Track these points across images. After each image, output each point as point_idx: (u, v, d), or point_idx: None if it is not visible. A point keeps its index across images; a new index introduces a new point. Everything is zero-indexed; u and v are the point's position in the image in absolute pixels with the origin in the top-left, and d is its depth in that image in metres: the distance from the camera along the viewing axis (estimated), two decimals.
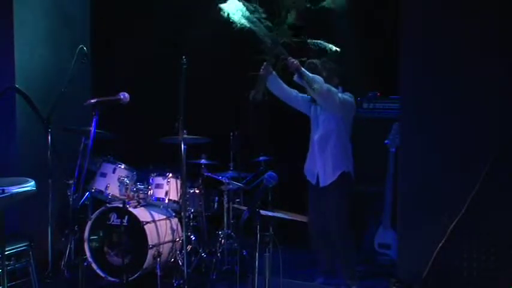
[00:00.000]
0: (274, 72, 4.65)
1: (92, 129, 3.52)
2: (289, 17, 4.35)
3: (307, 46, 4.46)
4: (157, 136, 5.22)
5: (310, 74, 4.50)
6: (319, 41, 4.47)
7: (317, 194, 4.74)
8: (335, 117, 4.65)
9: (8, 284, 4.02)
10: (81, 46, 4.84)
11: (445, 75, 3.81)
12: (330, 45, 4.48)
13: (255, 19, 4.35)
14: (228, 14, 4.31)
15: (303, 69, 4.49)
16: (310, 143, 4.84)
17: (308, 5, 4.36)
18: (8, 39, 4.96)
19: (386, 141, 5.41)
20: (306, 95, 4.79)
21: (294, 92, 4.80)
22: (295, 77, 4.61)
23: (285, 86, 4.75)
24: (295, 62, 4.47)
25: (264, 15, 4.37)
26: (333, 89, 4.58)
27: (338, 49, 4.52)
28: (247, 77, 4.57)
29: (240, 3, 4.33)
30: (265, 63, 4.57)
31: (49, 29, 5.46)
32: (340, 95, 4.61)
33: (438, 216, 3.70)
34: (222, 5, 4.33)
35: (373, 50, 6.26)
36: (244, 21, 4.31)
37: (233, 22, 4.31)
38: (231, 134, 5.69)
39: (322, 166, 4.70)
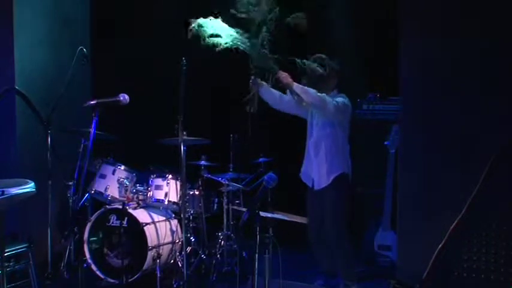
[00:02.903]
0: (265, 84, 4.59)
1: (92, 130, 3.51)
2: (261, 31, 4.32)
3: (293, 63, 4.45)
4: (157, 137, 5.22)
5: (303, 87, 4.47)
6: (307, 62, 4.46)
7: (314, 196, 4.73)
8: (329, 121, 4.63)
9: (8, 286, 4.02)
10: (80, 47, 4.84)
11: (445, 76, 3.81)
12: (316, 66, 4.49)
13: (239, 35, 4.33)
14: (206, 35, 4.28)
15: (294, 84, 4.46)
16: (306, 147, 4.83)
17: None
18: (8, 40, 4.97)
19: (386, 143, 5.41)
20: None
21: (287, 97, 4.73)
22: (288, 91, 4.61)
23: (277, 95, 4.69)
24: (285, 79, 4.44)
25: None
26: (327, 98, 4.50)
27: (324, 72, 4.53)
28: (248, 76, 4.56)
29: (221, 23, 4.30)
30: (252, 77, 4.53)
31: (49, 30, 5.47)
32: (334, 101, 4.53)
33: (438, 217, 3.70)
34: (200, 21, 4.28)
35: (373, 52, 6.26)
36: (228, 40, 4.30)
37: (214, 44, 4.27)
38: (231, 135, 5.68)
39: (317, 169, 4.68)
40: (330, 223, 4.65)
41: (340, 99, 4.57)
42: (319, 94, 4.49)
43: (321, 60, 4.65)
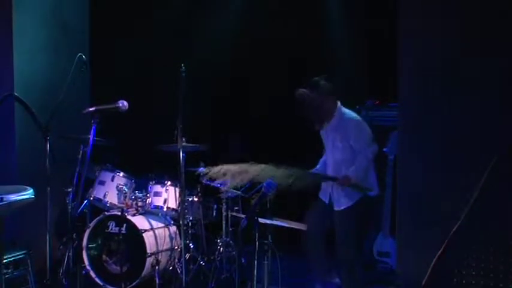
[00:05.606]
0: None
1: (91, 137, 3.52)
2: None
3: None
4: (156, 144, 5.22)
5: (356, 174, 4.39)
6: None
7: (325, 208, 4.62)
8: (348, 144, 4.51)
9: None
10: (80, 54, 4.83)
11: (445, 79, 3.81)
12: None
13: None
14: None
15: (353, 180, 4.37)
16: (324, 161, 4.73)
17: None
18: (8, 47, 4.98)
19: (384, 149, 5.40)
20: None
21: None
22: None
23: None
24: (347, 183, 4.37)
25: None
26: (367, 162, 4.45)
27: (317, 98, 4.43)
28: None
29: None
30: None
31: (48, 37, 5.47)
32: (368, 154, 4.46)
33: (437, 223, 3.70)
34: None
35: (372, 58, 6.28)
36: None
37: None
38: (230, 141, 5.68)
39: (336, 191, 4.54)
40: (342, 242, 4.50)
41: (365, 135, 4.53)
42: (362, 166, 4.43)
43: (302, 97, 4.48)
